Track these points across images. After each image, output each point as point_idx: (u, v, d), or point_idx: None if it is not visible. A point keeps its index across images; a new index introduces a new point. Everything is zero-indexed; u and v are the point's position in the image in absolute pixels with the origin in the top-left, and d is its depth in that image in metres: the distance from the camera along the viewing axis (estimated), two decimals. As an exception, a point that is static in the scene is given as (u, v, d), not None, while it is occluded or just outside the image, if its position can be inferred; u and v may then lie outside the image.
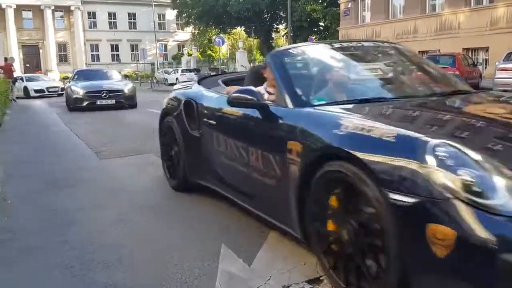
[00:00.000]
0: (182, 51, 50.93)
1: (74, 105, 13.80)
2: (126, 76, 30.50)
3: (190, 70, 35.77)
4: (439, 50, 20.07)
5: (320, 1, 35.38)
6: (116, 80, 15.74)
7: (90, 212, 3.88)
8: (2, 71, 19.34)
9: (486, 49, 20.88)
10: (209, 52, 52.09)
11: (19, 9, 46.00)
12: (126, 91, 14.27)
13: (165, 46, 53.43)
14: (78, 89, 13.98)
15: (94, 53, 51.19)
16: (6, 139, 8.06)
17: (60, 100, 18.46)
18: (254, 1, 38.49)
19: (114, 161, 6.05)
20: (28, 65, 47.40)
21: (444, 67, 14.33)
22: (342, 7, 28.88)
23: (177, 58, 50.39)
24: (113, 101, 13.76)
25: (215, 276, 2.55)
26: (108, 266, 2.76)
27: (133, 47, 51.57)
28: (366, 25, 27.16)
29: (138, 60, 40.04)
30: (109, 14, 51.37)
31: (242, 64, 31.90)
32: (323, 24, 39.33)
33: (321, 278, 2.48)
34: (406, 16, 24.39)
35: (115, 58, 50.85)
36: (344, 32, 29.01)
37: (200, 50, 50.16)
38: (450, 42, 21.31)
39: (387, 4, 25.90)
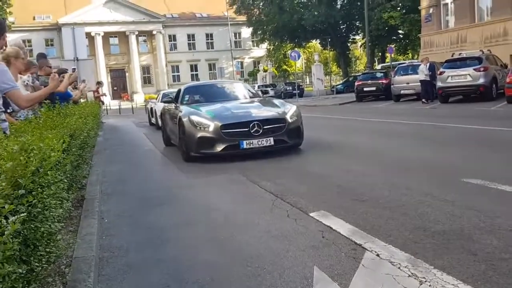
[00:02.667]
0: (258, 67, 51.82)
1: (198, 151, 7.41)
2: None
3: (266, 86, 36.04)
4: (533, 52, 18.54)
5: (399, 8, 34.29)
6: (257, 101, 8.86)
7: (183, 230, 3.97)
8: (96, 95, 20.77)
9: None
10: (284, 67, 52.53)
11: (106, 36, 49.52)
12: (289, 119, 7.59)
13: (241, 63, 54.68)
14: (206, 119, 7.44)
15: (175, 74, 53.62)
16: (100, 159, 8.58)
17: (147, 119, 19.41)
18: (329, 13, 38.25)
19: (202, 180, 6.19)
20: (115, 88, 50.71)
21: (542, 71, 13.17)
22: (423, 12, 27.74)
23: (253, 75, 51.31)
24: (270, 141, 7.24)
25: (311, 300, 2.47)
26: (202, 286, 2.77)
27: (211, 66, 53.34)
28: (451, 30, 25.84)
29: (216, 79, 41.29)
30: (188, 36, 53.68)
31: (318, 77, 31.63)
32: (402, 32, 38.11)
33: (425, 306, 2.31)
34: (494, 18, 22.86)
35: (194, 77, 52.86)
36: (426, 39, 27.83)
37: (276, 65, 50.66)
38: (545, 42, 19.62)
39: (472, 7, 24.47)
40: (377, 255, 3.00)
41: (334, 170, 5.58)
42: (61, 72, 6.32)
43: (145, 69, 53.18)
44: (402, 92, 19.83)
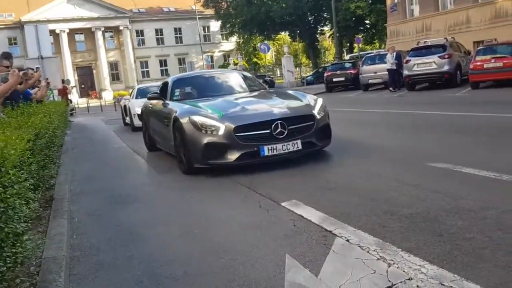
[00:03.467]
0: (228, 60, 51.65)
1: (204, 161, 5.66)
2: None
3: (237, 79, 35.89)
4: (495, 39, 19.09)
5: (365, -2, 34.70)
6: (269, 93, 7.25)
7: (155, 226, 3.95)
8: (63, 94, 20.33)
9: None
10: (254, 59, 52.47)
11: (71, 33, 48.34)
12: (317, 115, 5.95)
13: (211, 57, 54.33)
14: (213, 120, 5.65)
15: (144, 69, 52.84)
16: (68, 159, 8.42)
17: (116, 116, 19.13)
18: (296, 5, 38.37)
19: (171, 176, 6.16)
20: (83, 86, 49.68)
21: (503, 57, 13.65)
22: (388, 2, 28.14)
23: (223, 68, 51.14)
24: (298, 144, 5.57)
25: (283, 287, 2.50)
26: (176, 281, 2.78)
27: (181, 61, 52.81)
28: (416, 19, 26.32)
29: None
30: (156, 30, 52.92)
31: (288, 69, 31.74)
32: (369, 22, 38.58)
33: (393, 287, 2.38)
34: (457, 6, 23.41)
35: (164, 73, 52.27)
36: (392, 29, 28.27)
37: (246, 58, 50.59)
38: (507, 30, 20.20)
39: (435, -4, 24.99)
40: (347, 240, 3.06)
41: (304, 159, 5.63)
42: (20, 70, 6.15)
43: (113, 66, 52.21)
44: (370, 81, 20.13)
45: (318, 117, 5.83)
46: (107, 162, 8.17)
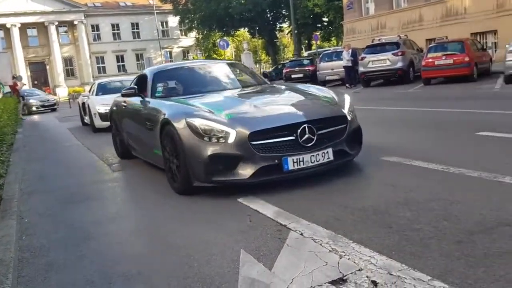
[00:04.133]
0: (187, 56, 51.15)
1: (208, 178, 4.23)
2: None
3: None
4: (446, 37, 19.80)
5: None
6: (281, 89, 5.91)
7: (108, 225, 3.87)
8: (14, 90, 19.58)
9: (495, 32, 20.57)
10: (214, 56, 52.18)
11: (23, 27, 46.52)
12: (348, 116, 4.70)
13: (170, 53, 53.64)
14: (219, 123, 4.26)
15: (100, 65, 51.56)
16: (19, 157, 8.11)
17: (70, 114, 18.59)
18: (255, 1, 38.44)
19: (127, 172, 6.05)
20: (36, 82, 47.90)
21: (453, 54, 14.18)
22: (345, 0, 28.66)
23: (183, 64, 50.53)
24: (329, 153, 4.30)
25: (237, 283, 2.51)
26: (128, 279, 2.73)
27: (138, 56, 51.88)
28: (371, 17, 26.93)
29: (144, 69, 40.22)
30: (112, 25, 51.69)
31: (248, 65, 31.74)
32: (327, 19, 39.14)
33: (344, 278, 2.43)
34: (410, 5, 24.13)
35: (121, 68, 51.16)
36: (349, 26, 28.80)
37: (205, 54, 50.27)
38: (457, 27, 21.02)
39: (390, -6, 25.64)
40: (301, 234, 3.11)
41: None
42: None
43: (68, 61, 50.61)
44: (327, 78, 20.45)
45: (349, 118, 4.64)
46: (60, 160, 7.93)
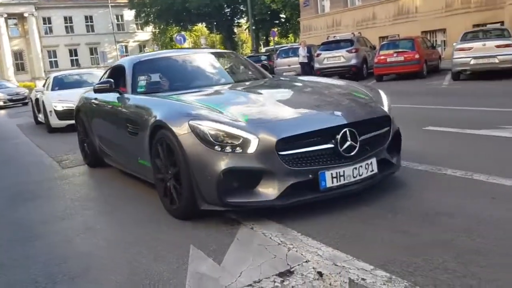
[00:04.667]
0: (144, 51, 50.21)
1: (224, 199, 3.19)
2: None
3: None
4: (398, 35, 20.41)
5: (279, -8, 35.41)
6: (295, 82, 4.96)
7: (56, 223, 3.77)
8: None
9: (444, 31, 21.37)
10: (171, 51, 51.52)
11: (-31, 18, 44.32)
12: (388, 110, 3.83)
13: (126, 47, 52.47)
14: (233, 127, 3.22)
15: (52, 59, 49.85)
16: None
17: (23, 109, 17.89)
18: (213, -4, 38.25)
19: (78, 169, 5.90)
20: (-17, 76, 45.75)
21: (404, 51, 14.63)
22: (301, -3, 28.96)
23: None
24: (372, 165, 3.41)
25: (185, 278, 2.52)
26: (73, 278, 2.68)
27: (92, 51, 50.50)
28: (327, 15, 27.36)
29: (99, 64, 39.26)
30: (65, 18, 50.04)
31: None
32: (284, 16, 39.45)
33: (291, 270, 2.48)
34: (364, 3, 24.70)
35: (74, 63, 49.65)
36: (305, 23, 29.14)
37: (162, 49, 49.52)
38: (408, 26, 21.70)
39: (345, -8, 26.14)
40: (251, 228, 3.14)
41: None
42: None
43: (17, 55, 48.58)
44: (284, 74, 20.62)
45: (390, 115, 3.78)
46: (7, 158, 7.63)
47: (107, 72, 5.69)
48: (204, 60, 5.34)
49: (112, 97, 4.68)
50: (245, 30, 53.35)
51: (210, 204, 3.24)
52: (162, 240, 3.13)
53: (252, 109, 3.51)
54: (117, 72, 5.13)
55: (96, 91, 4.72)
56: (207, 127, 3.20)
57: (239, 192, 3.17)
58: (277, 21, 41.32)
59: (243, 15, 44.45)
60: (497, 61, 11.83)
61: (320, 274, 2.40)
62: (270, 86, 4.74)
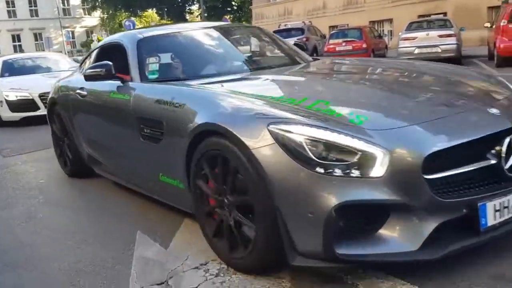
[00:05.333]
0: (91, 37, 48.54)
1: (336, 250, 1.96)
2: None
3: (102, 57, 34.30)
4: (347, 24, 20.83)
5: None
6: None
7: (-6, 214, 3.64)
8: None
9: (391, 21, 22.02)
10: (121, 37, 50.10)
11: None
12: None
13: (72, 33, 50.52)
14: (363, 140, 1.95)
15: (-7, 45, 47.31)
16: None
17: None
18: (163, -18, 37.45)
19: (20, 158, 5.68)
20: None
21: (352, 40, 14.97)
22: (252, -15, 28.90)
23: (86, 45, 47.95)
24: None
25: (131, 263, 2.51)
26: (15, 268, 2.61)
27: (37, 36, 48.31)
28: (278, 3, 27.48)
29: (43, 50, 37.62)
30: (7, 2, 47.49)
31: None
32: (236, 3, 39.25)
33: (237, 252, 2.52)
34: (315, -8, 24.99)
35: (18, 49, 47.29)
36: (258, 11, 29.16)
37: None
38: (357, 16, 22.20)
39: (296, -19, 26.32)
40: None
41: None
42: None
43: (-46, 40, 45.81)
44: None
45: None
46: None
47: (94, 54, 4.28)
48: (228, 37, 3.96)
49: (109, 86, 3.37)
50: (197, 17, 52.69)
51: (307, 257, 2.03)
52: (108, 227, 3.09)
53: (363, 105, 2.34)
54: (113, 53, 3.73)
55: (88, 77, 3.42)
56: (301, 135, 1.98)
57: (355, 238, 1.99)
58: (229, 8, 41.08)
59: (195, 1, 43.86)
60: (439, 50, 12.33)
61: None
62: (350, 71, 3.55)
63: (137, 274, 2.39)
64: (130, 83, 3.24)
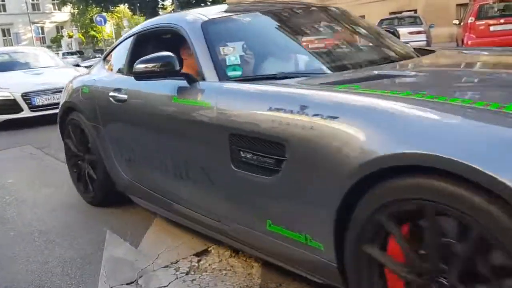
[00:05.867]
0: (62, 33, 47.57)
1: None
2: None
3: (72, 53, 33.75)
4: (320, 20, 20.96)
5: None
6: None
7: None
8: None
9: (363, 17, 22.23)
10: (92, 33, 49.20)
11: None
12: None
13: (42, 28, 49.29)
14: None
15: (-42, 40, 45.83)
16: None
17: None
18: (135, -24, 36.94)
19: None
20: None
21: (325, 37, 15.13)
22: (226, -19, 28.76)
23: (56, 41, 46.96)
24: None
25: (100, 263, 2.48)
26: (-20, 270, 2.55)
27: (5, 32, 46.98)
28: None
29: (13, 46, 36.66)
30: (-28, -5, 46.10)
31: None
32: (209, -1, 39.06)
33: (208, 249, 2.53)
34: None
35: (-15, 44, 45.99)
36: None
37: (82, 31, 47.21)
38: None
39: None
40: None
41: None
42: None
43: None
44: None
45: None
46: None
47: (125, 44, 3.18)
48: (319, 20, 2.96)
49: (169, 87, 2.40)
50: (171, 12, 52.21)
51: None
52: (77, 227, 3.05)
53: None
54: (151, 43, 2.97)
55: (139, 75, 2.41)
56: None
57: None
58: (203, 4, 40.75)
59: (168, -3, 43.45)
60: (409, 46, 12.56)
61: (236, 251, 2.46)
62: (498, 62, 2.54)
63: (107, 274, 2.36)
64: (206, 83, 2.22)
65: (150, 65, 2.30)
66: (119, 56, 3.23)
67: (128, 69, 2.91)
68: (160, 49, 2.41)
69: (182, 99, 2.31)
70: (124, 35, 3.38)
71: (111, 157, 3.07)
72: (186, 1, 36.52)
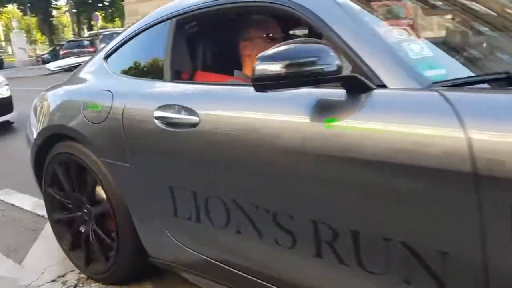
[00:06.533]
0: None
1: None
2: None
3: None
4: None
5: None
6: None
7: None
8: None
9: None
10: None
11: None
12: None
13: None
14: None
15: None
16: None
17: None
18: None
19: None
20: None
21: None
22: (123, -20, 27.92)
23: None
24: None
25: (-22, 284, 2.31)
26: None
27: None
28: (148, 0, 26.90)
29: None
30: None
31: (20, 46, 28.47)
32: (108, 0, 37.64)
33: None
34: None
35: None
36: (130, 8, 28.21)
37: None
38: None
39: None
40: (59, 222, 3.00)
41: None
42: None
43: None
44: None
45: None
46: None
47: (142, 35, 2.18)
48: None
49: (296, 103, 1.33)
50: (65, 13, 49.44)
51: None
52: (-48, 247, 2.79)
53: None
54: (209, 30, 2.04)
55: (266, 82, 1.23)
56: None
57: None
58: (100, 4, 39.15)
59: (62, -3, 41.10)
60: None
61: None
62: None
63: (-15, 295, 2.21)
64: (394, 92, 1.18)
65: (291, 65, 1.18)
66: (146, 53, 2.17)
67: (173, 73, 1.85)
68: (215, 40, 1.77)
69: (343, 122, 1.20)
70: (143, 20, 2.21)
71: (149, 213, 1.90)
72: (82, 1, 34.85)
